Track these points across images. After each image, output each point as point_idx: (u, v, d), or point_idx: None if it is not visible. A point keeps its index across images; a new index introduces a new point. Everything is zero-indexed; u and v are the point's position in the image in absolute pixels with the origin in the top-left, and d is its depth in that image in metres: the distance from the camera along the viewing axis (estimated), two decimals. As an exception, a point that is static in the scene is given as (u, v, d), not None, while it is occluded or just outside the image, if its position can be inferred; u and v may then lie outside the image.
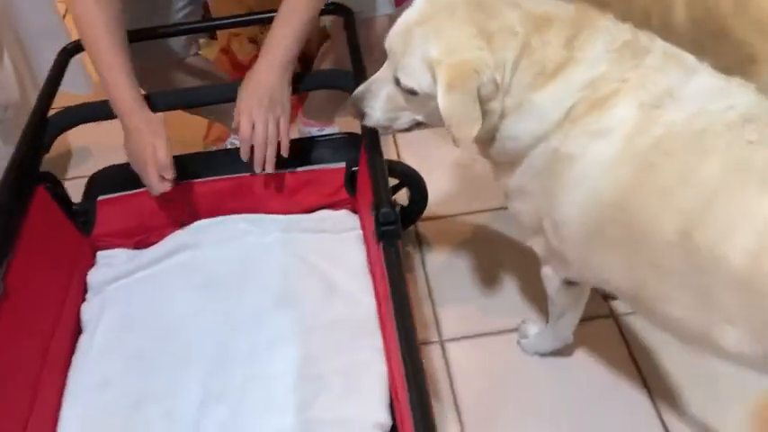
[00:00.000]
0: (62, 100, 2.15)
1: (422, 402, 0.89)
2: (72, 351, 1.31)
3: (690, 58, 1.07)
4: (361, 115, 1.14)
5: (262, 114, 1.29)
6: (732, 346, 0.97)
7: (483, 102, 1.02)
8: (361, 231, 1.43)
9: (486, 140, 1.12)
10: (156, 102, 1.37)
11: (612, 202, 1.02)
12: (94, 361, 1.29)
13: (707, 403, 1.40)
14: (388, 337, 1.17)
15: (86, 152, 2.11)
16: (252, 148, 1.31)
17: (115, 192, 1.45)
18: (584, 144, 1.03)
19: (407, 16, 1.06)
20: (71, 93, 2.04)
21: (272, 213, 1.46)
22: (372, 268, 1.33)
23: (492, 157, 1.17)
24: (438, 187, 1.83)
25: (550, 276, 1.31)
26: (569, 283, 1.29)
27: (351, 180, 1.45)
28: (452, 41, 1.01)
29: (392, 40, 1.07)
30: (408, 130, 1.15)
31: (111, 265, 1.42)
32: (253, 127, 1.29)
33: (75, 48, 1.52)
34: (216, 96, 1.46)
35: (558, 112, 1.04)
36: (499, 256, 1.70)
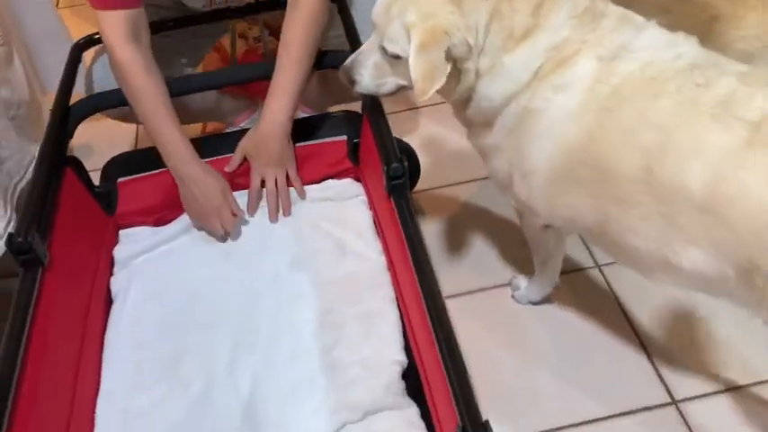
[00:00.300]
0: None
1: (448, 337, 0.99)
2: (105, 321, 1.41)
3: (639, 18, 1.21)
4: (351, 82, 1.29)
5: (272, 173, 1.50)
6: (693, 266, 1.09)
7: (458, 62, 1.16)
8: (365, 197, 1.55)
9: (463, 103, 1.26)
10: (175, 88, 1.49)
11: (579, 146, 1.15)
12: (127, 328, 1.38)
13: (692, 343, 1.55)
14: (404, 283, 1.29)
15: (88, 149, 2.20)
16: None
17: (130, 174, 1.55)
18: (550, 98, 1.16)
19: None
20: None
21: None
22: (381, 227, 1.45)
23: (468, 119, 1.30)
24: (428, 161, 1.96)
25: (528, 226, 1.45)
26: (547, 227, 1.42)
27: (353, 151, 1.57)
28: (427, 8, 1.14)
29: (377, 12, 1.21)
30: (393, 94, 1.30)
31: (134, 241, 1.52)
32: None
33: (86, 43, 1.63)
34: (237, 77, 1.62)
35: (527, 72, 1.17)
36: (487, 221, 1.84)
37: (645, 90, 1.10)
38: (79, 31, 2.21)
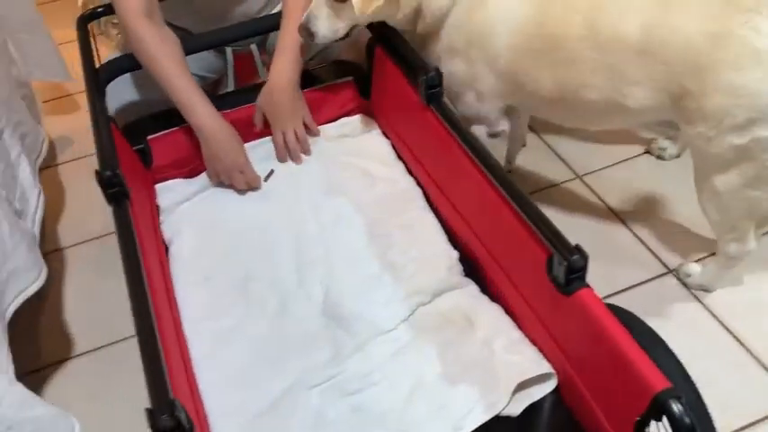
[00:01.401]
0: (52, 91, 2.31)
1: (519, 192, 1.19)
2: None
3: None
4: (310, 35, 1.47)
5: (290, 126, 1.63)
6: (639, 103, 1.36)
7: None
8: (378, 129, 1.71)
9: (411, 23, 1.48)
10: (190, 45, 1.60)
11: (532, 23, 1.38)
12: (189, 264, 1.48)
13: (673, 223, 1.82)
14: (451, 178, 1.45)
15: (67, 140, 2.24)
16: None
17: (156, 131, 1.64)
18: None
19: None
20: (52, 81, 2.19)
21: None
22: (411, 143, 1.61)
23: (420, 34, 1.51)
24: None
25: (480, 133, 1.66)
26: (492, 136, 1.66)
27: (362, 88, 1.73)
28: None
29: None
30: (347, 36, 1.49)
31: (172, 191, 1.61)
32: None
33: (90, 15, 1.71)
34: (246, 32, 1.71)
35: None
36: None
37: None
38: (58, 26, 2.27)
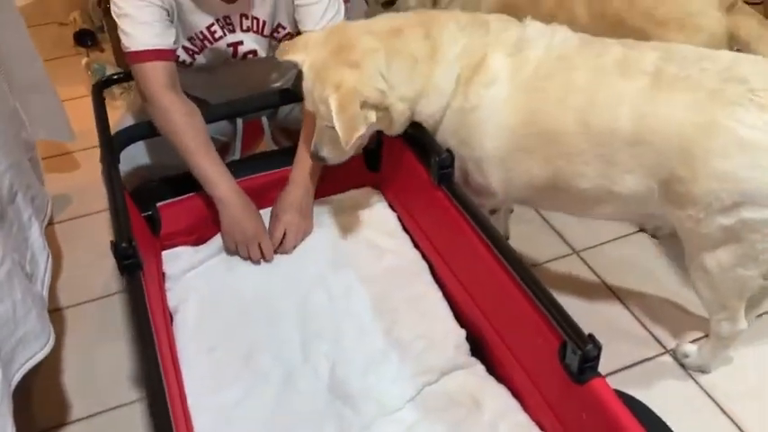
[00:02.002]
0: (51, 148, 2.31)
1: (532, 277, 1.22)
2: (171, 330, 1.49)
3: (513, 18, 1.54)
4: (321, 160, 1.53)
5: (294, 229, 1.63)
6: (628, 190, 1.41)
7: (379, 105, 1.44)
8: (385, 202, 1.74)
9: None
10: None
11: (521, 123, 1.44)
12: (194, 334, 1.48)
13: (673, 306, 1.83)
14: (461, 258, 1.48)
15: (66, 198, 2.24)
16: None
17: (166, 198, 1.65)
18: (482, 94, 1.46)
19: (305, 85, 1.47)
20: (56, 141, 2.20)
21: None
22: (420, 219, 1.64)
23: None
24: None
25: None
26: (493, 213, 1.72)
27: (370, 162, 1.76)
28: (334, 79, 1.41)
29: (307, 105, 1.49)
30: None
31: (179, 258, 1.61)
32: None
33: (105, 82, 1.73)
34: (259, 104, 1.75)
35: (451, 82, 1.48)
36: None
37: (559, 67, 1.44)
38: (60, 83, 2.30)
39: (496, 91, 1.45)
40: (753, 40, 1.69)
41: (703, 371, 1.65)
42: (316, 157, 1.53)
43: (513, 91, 1.44)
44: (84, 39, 3.06)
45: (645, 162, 1.37)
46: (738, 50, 1.68)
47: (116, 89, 2.56)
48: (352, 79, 1.39)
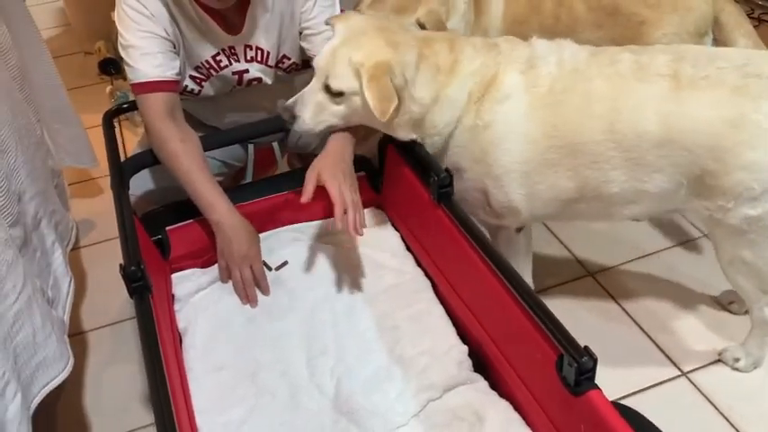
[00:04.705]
0: (75, 174, 2.37)
1: (530, 292, 1.25)
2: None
3: (518, 39, 1.58)
4: (293, 118, 1.50)
5: (347, 186, 1.52)
6: (659, 187, 1.46)
7: (398, 90, 1.44)
8: (389, 222, 1.77)
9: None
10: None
11: (542, 136, 1.47)
12: (203, 354, 1.50)
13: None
14: (461, 275, 1.50)
15: (90, 224, 2.30)
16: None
17: (175, 223, 1.69)
18: (496, 110, 1.49)
19: (331, 43, 1.49)
20: (79, 167, 2.26)
21: (310, 221, 1.77)
22: (421, 237, 1.66)
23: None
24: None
25: (503, 235, 1.74)
26: (519, 230, 1.74)
27: (373, 182, 1.80)
28: (369, 49, 1.44)
29: (321, 57, 1.48)
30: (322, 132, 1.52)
31: (189, 280, 1.65)
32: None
33: (116, 112, 1.79)
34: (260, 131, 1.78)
35: (463, 96, 1.51)
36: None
37: (575, 79, 1.47)
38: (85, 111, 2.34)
39: (511, 106, 1.48)
40: (732, 27, 1.80)
41: (757, 365, 1.70)
42: (287, 110, 1.48)
43: (531, 106, 1.47)
44: (108, 67, 3.14)
45: (674, 160, 1.41)
46: (714, 38, 1.80)
47: (137, 116, 2.62)
48: (388, 56, 1.42)
